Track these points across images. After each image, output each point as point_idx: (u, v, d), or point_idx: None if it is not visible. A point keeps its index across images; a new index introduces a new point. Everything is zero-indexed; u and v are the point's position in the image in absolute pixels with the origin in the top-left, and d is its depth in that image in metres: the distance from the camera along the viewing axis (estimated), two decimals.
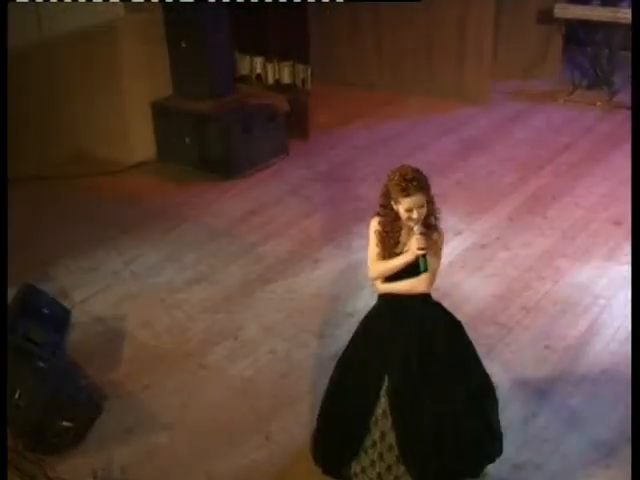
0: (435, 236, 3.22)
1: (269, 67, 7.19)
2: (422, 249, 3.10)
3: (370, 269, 3.32)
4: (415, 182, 3.07)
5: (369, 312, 3.41)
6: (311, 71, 7.10)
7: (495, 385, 3.57)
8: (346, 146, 7.26)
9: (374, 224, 3.28)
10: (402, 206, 3.13)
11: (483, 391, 3.51)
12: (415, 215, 3.12)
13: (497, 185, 6.46)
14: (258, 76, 7.29)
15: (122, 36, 6.47)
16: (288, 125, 6.94)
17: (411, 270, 3.21)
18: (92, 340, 4.69)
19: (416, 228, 3.13)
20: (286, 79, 7.21)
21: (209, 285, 5.23)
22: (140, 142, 6.85)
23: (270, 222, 6.00)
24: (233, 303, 5.03)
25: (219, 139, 6.58)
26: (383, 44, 8.37)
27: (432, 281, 3.27)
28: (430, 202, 3.17)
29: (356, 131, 7.56)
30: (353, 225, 5.77)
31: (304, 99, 7.19)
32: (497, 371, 4.09)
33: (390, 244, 3.22)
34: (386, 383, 3.29)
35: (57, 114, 6.81)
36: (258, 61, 7.22)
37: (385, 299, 3.33)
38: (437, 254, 3.24)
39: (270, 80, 7.24)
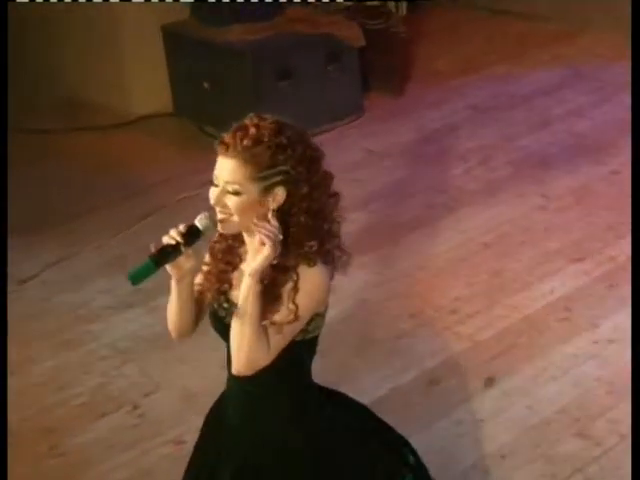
0: (305, 273, 2.20)
1: None
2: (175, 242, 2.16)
3: None
4: (241, 135, 2.14)
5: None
6: None
7: None
8: (459, 106, 6.58)
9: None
10: None
11: None
12: (212, 190, 2.22)
13: None
14: None
15: None
16: (367, 70, 6.32)
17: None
18: None
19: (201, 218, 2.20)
20: None
21: (142, 314, 4.55)
22: (147, 89, 6.47)
23: None
24: (160, 348, 4.23)
25: (246, 85, 5.83)
26: None
27: (254, 358, 2.21)
28: (298, 201, 2.18)
29: (483, 83, 6.86)
30: (410, 232, 5.08)
31: (398, 30, 6.42)
32: None
33: (218, 267, 2.35)
34: None
35: (44, 49, 6.62)
36: None
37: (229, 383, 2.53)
38: (297, 307, 2.18)
39: None
